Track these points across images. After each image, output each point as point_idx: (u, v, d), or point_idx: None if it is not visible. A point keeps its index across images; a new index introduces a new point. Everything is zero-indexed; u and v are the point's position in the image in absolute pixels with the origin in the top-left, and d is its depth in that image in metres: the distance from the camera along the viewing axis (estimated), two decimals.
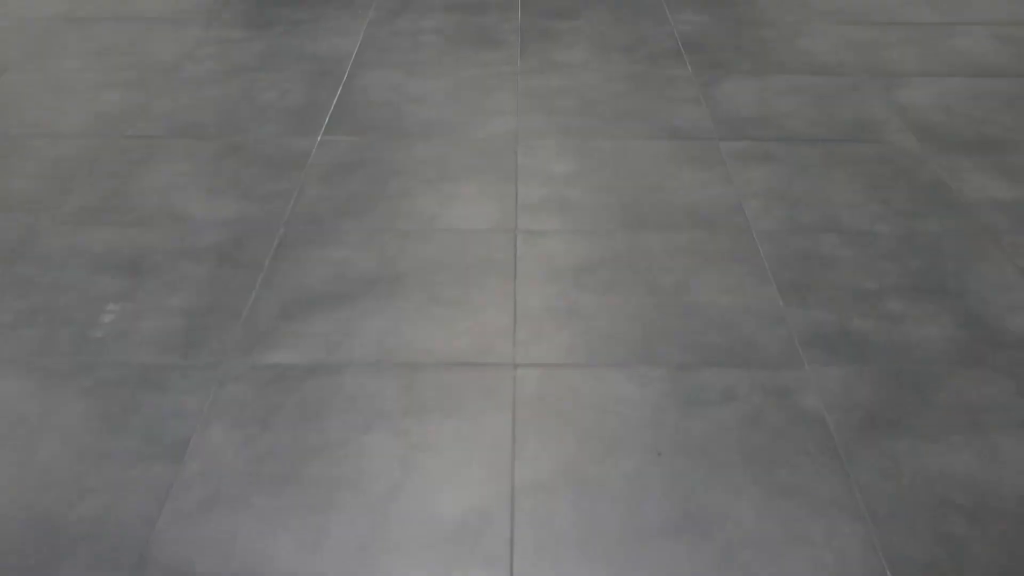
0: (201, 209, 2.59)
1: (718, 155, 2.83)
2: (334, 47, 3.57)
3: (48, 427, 1.90)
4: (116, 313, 2.21)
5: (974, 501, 1.73)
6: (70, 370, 2.04)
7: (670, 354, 2.08)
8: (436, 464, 1.82)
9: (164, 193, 2.67)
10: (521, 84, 3.28)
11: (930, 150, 2.86)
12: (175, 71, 3.39)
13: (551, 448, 1.85)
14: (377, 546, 1.65)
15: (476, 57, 3.48)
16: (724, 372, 2.03)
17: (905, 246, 2.43)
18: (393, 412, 1.93)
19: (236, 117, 3.07)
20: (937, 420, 1.90)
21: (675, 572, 1.61)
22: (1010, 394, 1.97)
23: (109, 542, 1.66)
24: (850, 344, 2.10)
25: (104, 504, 1.73)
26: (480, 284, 2.30)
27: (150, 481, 1.78)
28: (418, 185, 2.70)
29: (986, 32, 3.66)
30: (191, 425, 1.90)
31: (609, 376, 2.02)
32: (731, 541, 1.66)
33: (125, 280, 2.32)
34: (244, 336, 2.14)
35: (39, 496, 1.75)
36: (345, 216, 2.56)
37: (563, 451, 1.85)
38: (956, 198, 2.63)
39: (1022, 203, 2.60)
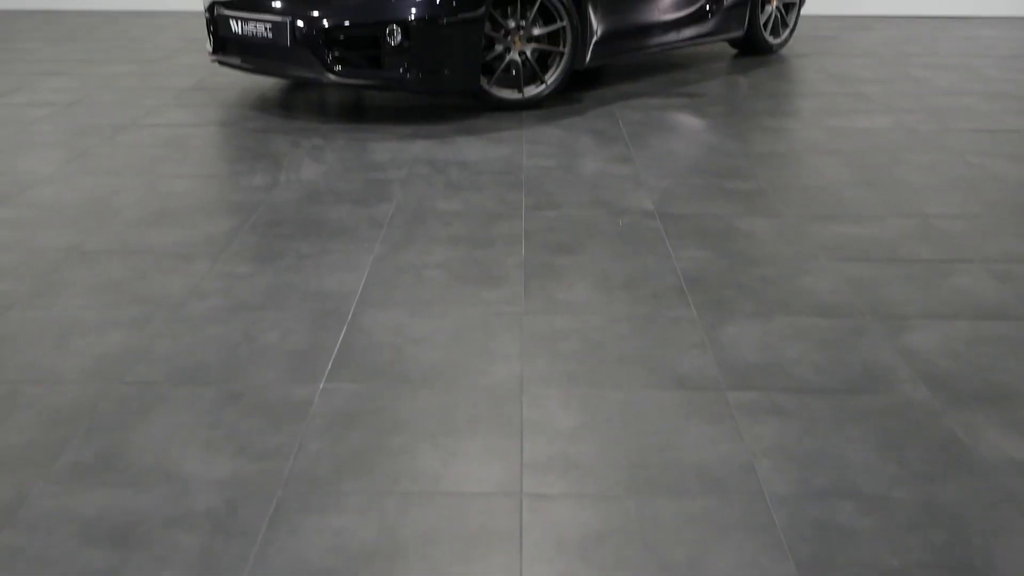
0: (197, 467, 2.52)
1: (726, 408, 2.79)
2: (339, 283, 3.59)
3: None
4: None
5: None
6: None
7: None
8: None
9: (160, 448, 2.60)
10: (525, 325, 3.28)
11: (941, 402, 2.82)
12: (179, 308, 3.39)
13: None
14: None
15: (480, 295, 3.49)
16: None
17: (925, 515, 2.34)
18: None
19: (238, 360, 3.04)
20: None
21: None
22: None
23: None
24: None
25: None
26: (484, 559, 2.20)
27: None
28: (420, 440, 2.64)
29: (984, 270, 3.70)
30: None
31: None
32: None
33: (114, 552, 2.22)
34: None
35: None
36: (345, 477, 2.48)
37: None
38: (973, 458, 2.56)
39: None
